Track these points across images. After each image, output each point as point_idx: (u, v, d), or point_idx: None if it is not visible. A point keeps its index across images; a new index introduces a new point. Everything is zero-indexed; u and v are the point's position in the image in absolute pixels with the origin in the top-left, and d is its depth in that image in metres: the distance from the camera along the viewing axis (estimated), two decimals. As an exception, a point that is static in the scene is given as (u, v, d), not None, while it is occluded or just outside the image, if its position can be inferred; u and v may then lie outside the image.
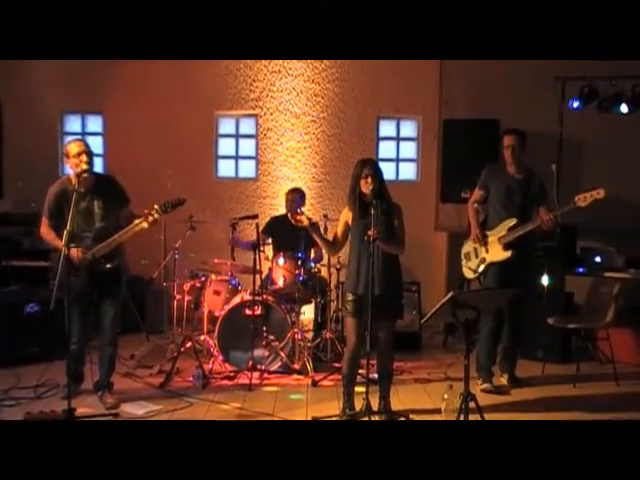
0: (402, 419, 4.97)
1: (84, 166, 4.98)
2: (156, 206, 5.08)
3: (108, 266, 5.13)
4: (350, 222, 4.95)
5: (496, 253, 5.75)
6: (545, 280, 6.78)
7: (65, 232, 4.60)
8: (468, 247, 6.03)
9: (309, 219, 4.82)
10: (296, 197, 7.16)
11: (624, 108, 7.47)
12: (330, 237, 5.14)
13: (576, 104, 7.60)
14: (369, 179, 4.78)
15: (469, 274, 6.07)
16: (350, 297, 4.91)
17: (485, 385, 5.76)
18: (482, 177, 5.94)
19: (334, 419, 4.93)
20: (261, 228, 6.58)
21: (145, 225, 5.05)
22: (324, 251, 6.55)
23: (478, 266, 5.89)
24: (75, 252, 4.89)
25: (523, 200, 5.72)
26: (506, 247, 5.68)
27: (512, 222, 5.67)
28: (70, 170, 5.15)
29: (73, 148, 5.07)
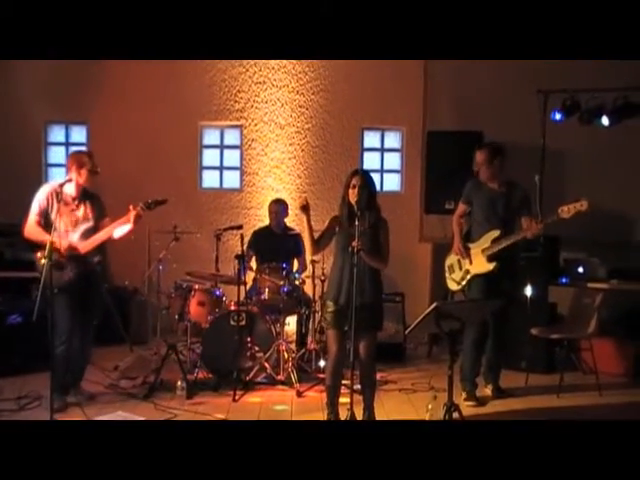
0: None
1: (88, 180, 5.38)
2: (141, 203, 5.32)
3: (95, 259, 5.38)
4: (337, 227, 4.96)
5: (480, 265, 5.77)
6: (528, 290, 6.80)
7: (47, 244, 4.63)
8: (452, 259, 6.06)
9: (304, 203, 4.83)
10: (279, 208, 7.18)
11: (605, 120, 7.54)
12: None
13: (558, 116, 7.66)
14: (355, 190, 4.80)
15: (453, 286, 6.10)
16: (331, 307, 4.88)
17: (469, 403, 5.76)
18: (465, 192, 5.98)
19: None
20: (245, 243, 6.55)
21: (130, 220, 5.26)
22: (307, 259, 6.59)
23: (462, 278, 5.93)
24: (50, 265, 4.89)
25: (505, 212, 5.74)
26: (489, 259, 5.70)
27: (495, 234, 5.69)
28: (63, 178, 5.35)
29: (90, 163, 5.39)
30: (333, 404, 5.02)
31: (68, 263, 5.22)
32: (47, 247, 4.63)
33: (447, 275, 6.12)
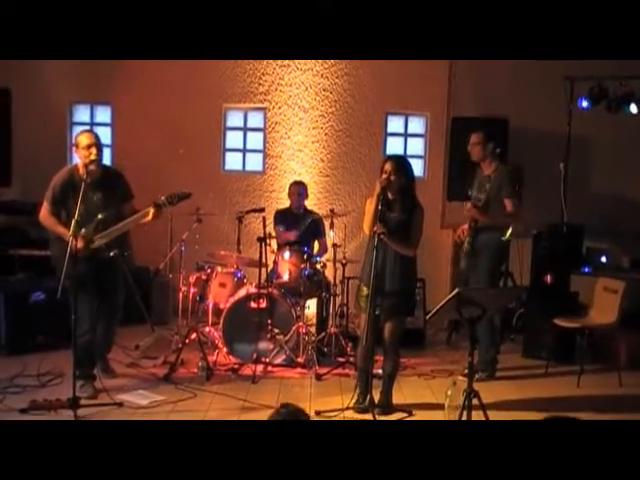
0: (404, 415, 4.99)
1: (93, 157, 5.04)
2: (162, 197, 5.17)
3: (111, 254, 5.17)
4: None
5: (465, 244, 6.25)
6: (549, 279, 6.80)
7: (73, 222, 4.64)
8: None
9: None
10: (300, 189, 7.19)
11: (634, 109, 7.43)
12: None
13: (585, 104, 7.57)
14: (383, 175, 4.85)
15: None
16: (365, 291, 4.91)
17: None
18: None
19: (336, 413, 4.96)
20: (267, 225, 6.54)
21: (149, 216, 5.13)
22: (328, 245, 6.66)
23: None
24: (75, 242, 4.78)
25: (487, 195, 5.99)
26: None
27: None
28: (78, 159, 5.20)
29: (83, 140, 5.13)
30: (362, 387, 5.05)
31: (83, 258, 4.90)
32: (70, 234, 4.62)
33: None
